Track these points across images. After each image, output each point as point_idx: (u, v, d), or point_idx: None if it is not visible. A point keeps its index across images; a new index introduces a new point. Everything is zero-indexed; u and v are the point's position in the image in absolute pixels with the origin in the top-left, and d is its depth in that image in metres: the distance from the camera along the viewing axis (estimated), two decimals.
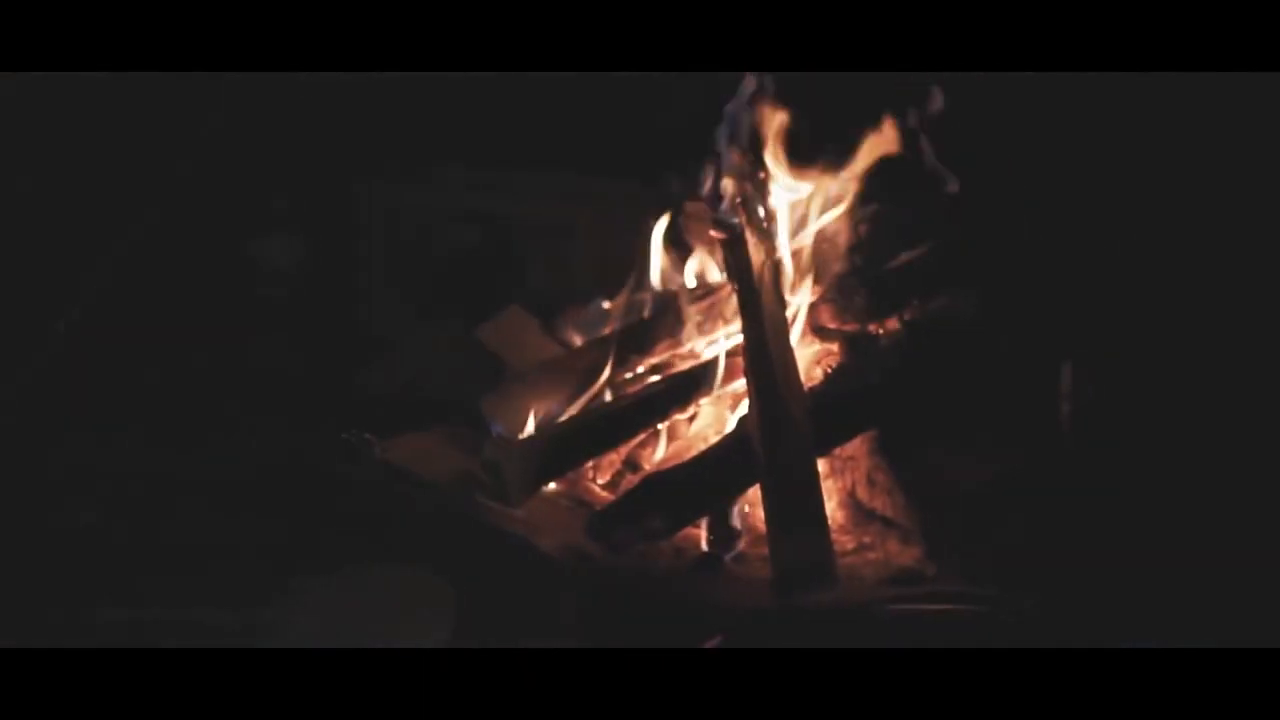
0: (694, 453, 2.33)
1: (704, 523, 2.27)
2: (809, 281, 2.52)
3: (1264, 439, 2.36)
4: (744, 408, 2.34)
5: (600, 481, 2.50)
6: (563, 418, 2.47)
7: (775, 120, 2.51)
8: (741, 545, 2.26)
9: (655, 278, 2.66)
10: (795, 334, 2.43)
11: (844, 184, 2.56)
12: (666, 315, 2.57)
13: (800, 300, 2.50)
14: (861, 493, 2.36)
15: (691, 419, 2.52)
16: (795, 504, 2.11)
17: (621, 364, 2.53)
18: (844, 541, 2.30)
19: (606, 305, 2.68)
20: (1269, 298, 2.52)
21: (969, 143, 2.54)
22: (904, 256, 2.55)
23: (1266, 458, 2.33)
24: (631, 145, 3.09)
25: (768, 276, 2.32)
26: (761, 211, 2.45)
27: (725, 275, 2.48)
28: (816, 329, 2.52)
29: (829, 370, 2.43)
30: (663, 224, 2.66)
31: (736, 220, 2.34)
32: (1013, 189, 2.69)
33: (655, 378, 2.53)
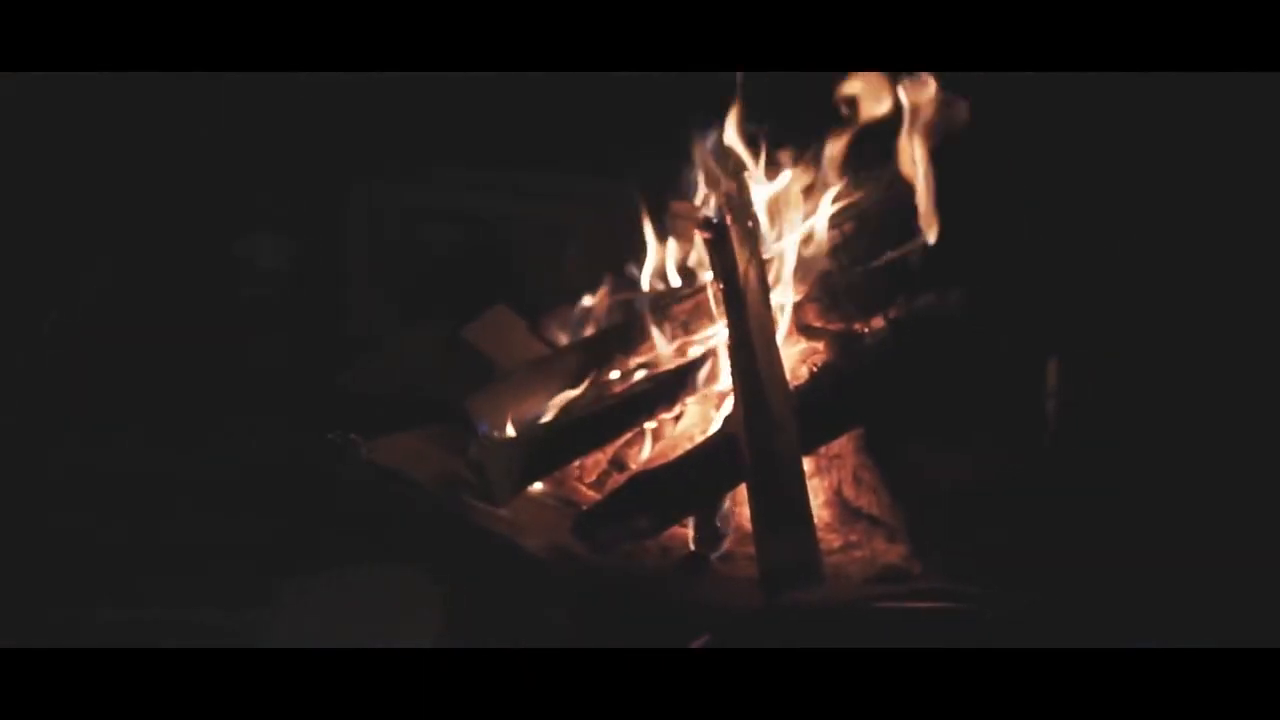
0: (680, 452, 2.34)
1: (690, 522, 2.27)
2: (794, 280, 2.52)
3: (1253, 439, 2.36)
4: (729, 406, 2.35)
5: (586, 481, 2.51)
6: (548, 417, 2.48)
7: (762, 119, 2.52)
8: (728, 544, 2.27)
9: (641, 277, 2.66)
10: (781, 332, 2.43)
11: (829, 181, 2.57)
12: (652, 314, 2.57)
13: (786, 299, 2.50)
14: (848, 491, 2.37)
15: (677, 418, 2.53)
16: (781, 502, 2.11)
17: (607, 363, 2.54)
18: (830, 540, 2.31)
19: (593, 304, 2.68)
20: (1259, 298, 2.52)
21: (963, 141, 2.54)
22: (889, 255, 2.55)
23: (1255, 457, 2.33)
24: (621, 145, 3.10)
25: (753, 275, 2.32)
26: (746, 210, 2.44)
27: (710, 274, 2.49)
28: (802, 327, 2.52)
29: (814, 369, 2.43)
30: (649, 223, 2.66)
31: (722, 219, 2.34)
32: (1008, 188, 2.68)
33: (641, 377, 2.53)
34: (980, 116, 2.54)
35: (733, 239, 2.33)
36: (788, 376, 2.31)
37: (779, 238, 2.53)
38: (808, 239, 2.53)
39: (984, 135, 2.59)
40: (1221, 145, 2.61)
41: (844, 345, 2.46)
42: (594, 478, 2.51)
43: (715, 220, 2.32)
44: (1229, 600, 2.03)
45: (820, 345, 2.50)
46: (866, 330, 2.47)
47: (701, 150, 2.53)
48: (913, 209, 2.49)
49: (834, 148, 2.56)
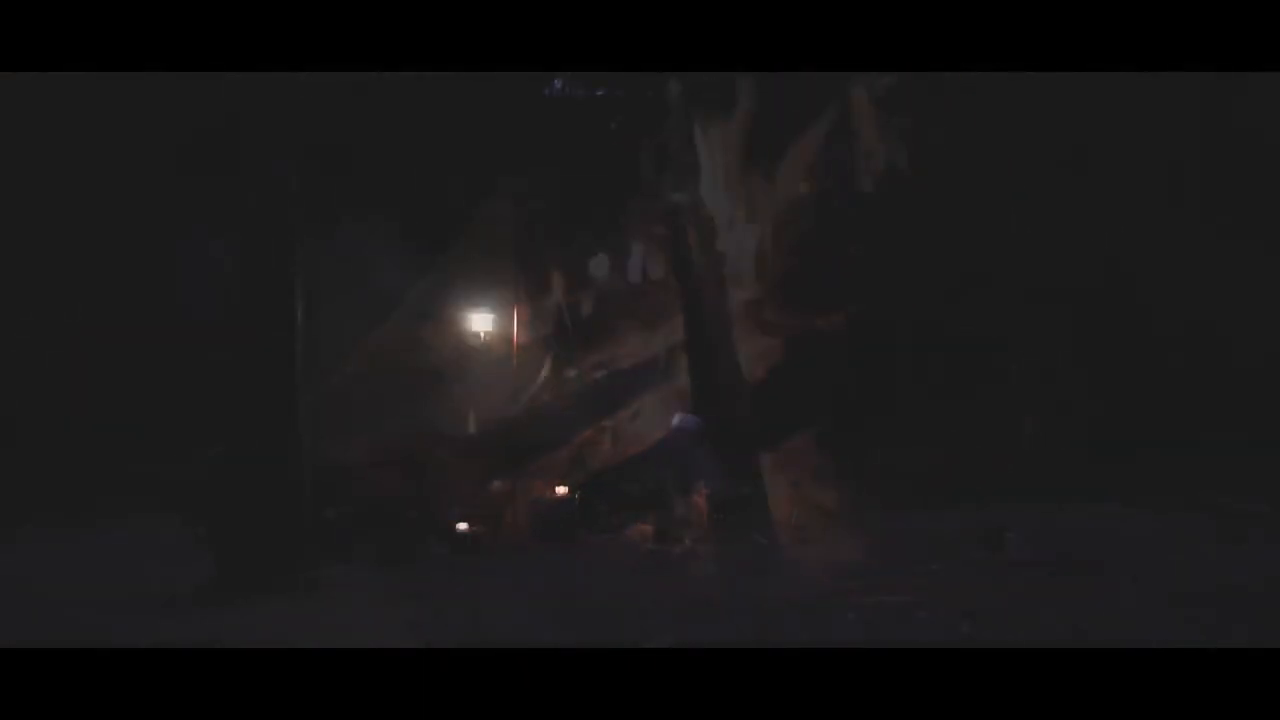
0: (639, 448, 2.34)
1: (652, 518, 2.26)
2: (753, 277, 2.52)
3: (1235, 438, 2.39)
4: (688, 401, 2.35)
5: (548, 479, 2.49)
6: (509, 415, 2.47)
7: (725, 119, 2.52)
8: (689, 541, 2.26)
9: (601, 274, 2.66)
10: (739, 329, 2.43)
11: (788, 180, 2.57)
12: (612, 312, 2.57)
13: (744, 295, 2.50)
14: (808, 487, 2.37)
15: (636, 415, 2.52)
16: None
17: (566, 362, 2.53)
18: (791, 536, 2.31)
19: (555, 303, 2.68)
20: (1245, 300, 2.56)
21: (949, 140, 2.56)
22: (851, 252, 2.56)
23: (1237, 456, 2.36)
24: (589, 145, 3.09)
25: (711, 272, 2.32)
26: (705, 209, 2.45)
27: (669, 271, 2.49)
28: (760, 323, 2.52)
29: (773, 365, 2.43)
30: (611, 222, 2.66)
31: (680, 215, 2.34)
32: (994, 185, 2.70)
33: (600, 375, 2.53)
34: (967, 116, 2.56)
35: (691, 236, 2.33)
36: (746, 373, 2.31)
37: (737, 233, 2.53)
38: (767, 235, 2.53)
39: (971, 134, 2.61)
40: (1211, 146, 2.64)
41: (803, 341, 2.47)
42: (555, 475, 2.49)
43: (673, 217, 2.32)
44: (1206, 599, 2.05)
45: (778, 341, 2.50)
46: (826, 327, 2.47)
47: (662, 150, 2.52)
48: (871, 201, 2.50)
49: (795, 145, 2.56)
